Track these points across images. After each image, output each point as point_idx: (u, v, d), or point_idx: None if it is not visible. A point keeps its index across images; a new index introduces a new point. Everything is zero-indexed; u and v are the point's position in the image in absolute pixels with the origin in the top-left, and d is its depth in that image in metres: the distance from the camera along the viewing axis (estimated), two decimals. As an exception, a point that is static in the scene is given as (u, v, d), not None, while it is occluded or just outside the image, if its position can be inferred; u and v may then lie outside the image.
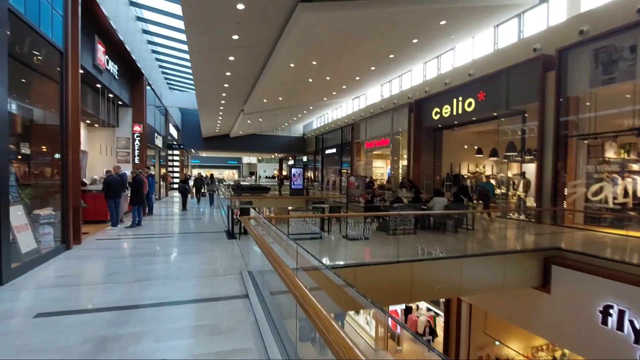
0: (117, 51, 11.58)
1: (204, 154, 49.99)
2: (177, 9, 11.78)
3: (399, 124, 18.25)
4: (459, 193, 9.96)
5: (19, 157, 6.31)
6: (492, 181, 17.33)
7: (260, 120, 26.19)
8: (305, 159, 36.77)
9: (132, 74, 13.75)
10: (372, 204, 9.51)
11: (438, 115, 15.42)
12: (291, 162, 41.50)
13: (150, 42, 16.76)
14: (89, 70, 9.16)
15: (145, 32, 15.54)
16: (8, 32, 4.77)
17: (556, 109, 10.16)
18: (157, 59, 19.40)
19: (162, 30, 15.45)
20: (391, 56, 14.14)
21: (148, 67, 16.30)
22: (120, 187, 9.14)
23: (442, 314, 11.73)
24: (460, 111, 14.19)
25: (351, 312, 12.90)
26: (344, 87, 19.22)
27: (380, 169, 23.88)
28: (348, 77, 17.10)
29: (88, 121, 12.41)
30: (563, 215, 10.23)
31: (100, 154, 13.36)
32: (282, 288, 2.42)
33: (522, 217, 11.57)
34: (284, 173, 42.63)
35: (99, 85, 10.60)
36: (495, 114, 13.11)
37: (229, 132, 32.96)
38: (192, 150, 37.58)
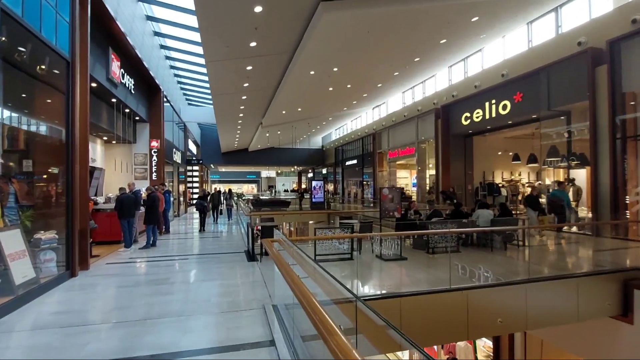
0: (133, 65, 11.26)
1: (223, 169, 50.10)
2: (195, 22, 11.41)
3: (424, 131, 17.28)
4: (529, 204, 8.79)
5: (22, 175, 5.79)
6: (525, 188, 16.07)
7: (279, 132, 25.72)
8: (324, 171, 36.03)
9: (149, 88, 13.46)
10: (406, 218, 8.53)
11: (468, 121, 14.39)
12: (310, 174, 40.85)
13: (168, 57, 16.59)
14: (102, 83, 8.76)
15: (163, 47, 15.35)
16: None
17: (610, 107, 9.00)
18: (175, 74, 19.29)
19: (179, 44, 15.21)
20: (416, 59, 13.31)
21: (166, 82, 16.08)
22: (134, 205, 8.56)
23: (484, 339, 10.48)
24: (494, 115, 13.13)
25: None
26: (365, 95, 18.47)
27: (405, 180, 22.81)
28: (369, 84, 16.35)
29: (105, 137, 12.09)
30: (626, 227, 8.94)
31: (116, 171, 12.98)
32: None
33: (574, 229, 10.27)
34: (303, 186, 41.98)
35: (114, 100, 10.23)
36: (534, 116, 11.99)
37: (248, 147, 32.71)
38: (212, 165, 37.54)
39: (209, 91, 17.10)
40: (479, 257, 7.32)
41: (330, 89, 15.38)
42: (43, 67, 5.56)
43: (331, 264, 6.82)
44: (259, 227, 7.11)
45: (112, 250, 8.39)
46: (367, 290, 5.36)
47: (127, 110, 11.42)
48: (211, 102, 17.66)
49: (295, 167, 38.68)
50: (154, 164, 13.50)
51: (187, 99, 24.72)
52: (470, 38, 12.49)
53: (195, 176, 28.68)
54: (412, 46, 11.76)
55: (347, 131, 29.64)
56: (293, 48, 10.73)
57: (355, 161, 26.29)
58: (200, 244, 9.70)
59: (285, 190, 47.49)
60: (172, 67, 17.87)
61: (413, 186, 22.27)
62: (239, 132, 24.90)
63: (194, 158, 24.64)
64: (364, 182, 25.15)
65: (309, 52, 10.47)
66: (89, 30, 6.58)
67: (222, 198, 14.57)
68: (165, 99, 14.78)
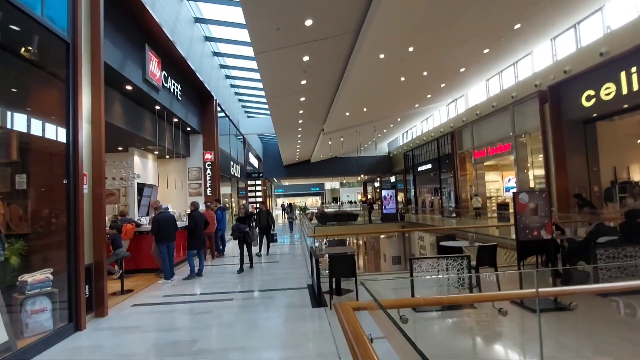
0: (179, 68, 10.10)
1: (286, 183, 49.70)
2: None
3: (523, 122, 13.88)
4: None
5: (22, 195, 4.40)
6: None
7: (342, 139, 23.72)
8: (392, 179, 33.10)
9: (199, 96, 12.37)
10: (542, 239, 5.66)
11: (592, 100, 10.86)
12: (377, 184, 38.12)
13: (223, 66, 15.67)
14: (138, 85, 7.50)
15: (216, 54, 14.39)
16: None
17: None
18: (232, 85, 18.45)
19: (233, 47, 14.12)
20: (517, 26, 10.31)
21: (221, 93, 15.07)
22: (174, 226, 7.03)
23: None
24: (635, 87, 9.54)
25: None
26: (443, 85, 15.63)
27: (495, 184, 19.08)
28: (450, 70, 13.56)
29: (156, 152, 11.11)
30: None
31: (171, 188, 11.98)
32: None
33: None
34: (369, 196, 39.38)
35: (157, 108, 9.07)
36: None
37: (310, 158, 31.31)
38: (275, 179, 36.87)
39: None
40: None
41: (403, 79, 12.92)
42: (30, 49, 4.14)
43: (439, 315, 4.38)
44: (326, 256, 4.96)
45: (153, 281, 6.94)
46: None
47: (175, 120, 10.28)
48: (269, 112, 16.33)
49: (362, 175, 36.21)
50: (208, 178, 12.28)
51: (246, 112, 24.06)
52: (596, -14, 9.25)
53: (259, 191, 27.87)
54: (515, 4, 8.90)
55: (416, 134, 26.62)
56: (358, 24, 8.62)
57: (429, 166, 23.13)
58: (252, 273, 7.84)
59: (350, 202, 45.11)
60: (227, 76, 16.99)
61: (506, 191, 18.50)
62: (299, 141, 23.46)
63: (255, 172, 23.71)
64: (442, 189, 21.84)
65: (378, 26, 8.26)
66: (102, 9, 5.17)
67: (272, 219, 10.28)
68: (219, 108, 13.65)
